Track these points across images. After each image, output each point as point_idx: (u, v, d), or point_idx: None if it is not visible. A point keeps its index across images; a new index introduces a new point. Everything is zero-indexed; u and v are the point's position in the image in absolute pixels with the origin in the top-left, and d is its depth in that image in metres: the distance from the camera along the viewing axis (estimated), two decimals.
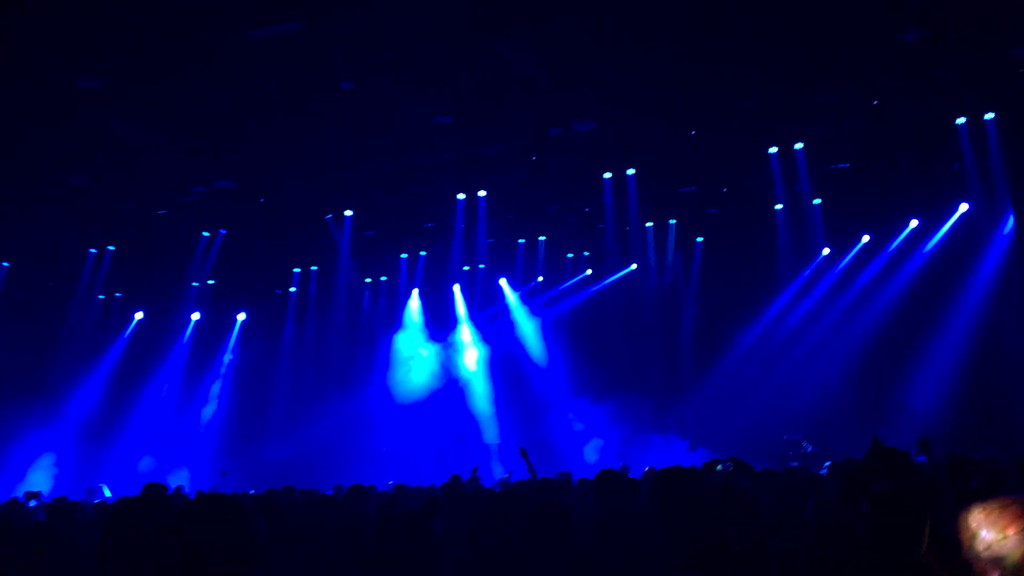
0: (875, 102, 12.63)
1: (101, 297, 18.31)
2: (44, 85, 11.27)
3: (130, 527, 3.44)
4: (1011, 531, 2.24)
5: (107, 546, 3.45)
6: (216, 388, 19.11)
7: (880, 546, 3.13)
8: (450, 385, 18.39)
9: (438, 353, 18.51)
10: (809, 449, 14.53)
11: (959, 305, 15.47)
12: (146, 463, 17.29)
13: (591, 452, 16.93)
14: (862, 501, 3.24)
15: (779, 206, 15.70)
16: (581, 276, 18.61)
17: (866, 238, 16.57)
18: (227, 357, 18.48)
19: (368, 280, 19.22)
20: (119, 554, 3.40)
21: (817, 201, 15.56)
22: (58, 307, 17.76)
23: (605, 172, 14.98)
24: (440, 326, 18.77)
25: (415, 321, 18.83)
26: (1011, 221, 14.90)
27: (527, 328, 18.46)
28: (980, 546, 2.31)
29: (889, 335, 16.01)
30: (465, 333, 18.61)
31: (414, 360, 18.43)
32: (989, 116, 13.12)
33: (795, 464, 12.62)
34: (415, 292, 18.84)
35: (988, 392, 14.64)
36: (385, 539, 3.35)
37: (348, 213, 16.34)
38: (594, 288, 18.43)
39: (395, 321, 18.92)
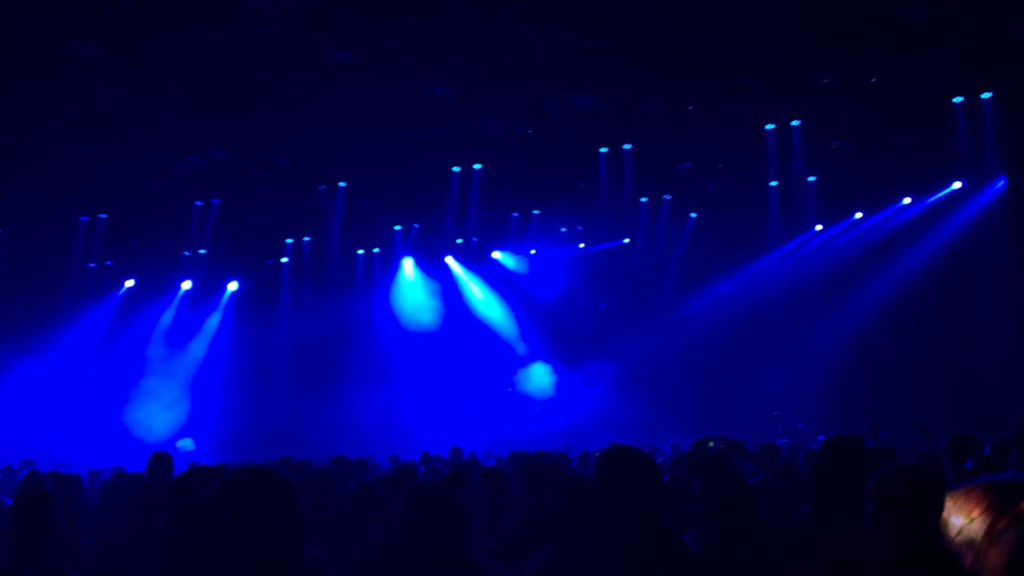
0: (873, 80, 12.67)
1: (92, 265, 18.15)
2: (36, 52, 11.15)
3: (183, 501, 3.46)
4: (975, 514, 2.30)
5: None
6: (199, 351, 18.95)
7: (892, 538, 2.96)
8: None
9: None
10: (800, 426, 14.70)
11: (944, 283, 15.68)
12: (185, 443, 17.17)
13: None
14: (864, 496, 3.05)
15: (774, 183, 15.73)
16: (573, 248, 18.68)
17: (859, 215, 16.67)
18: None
19: (361, 252, 19.16)
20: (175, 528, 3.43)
21: (812, 179, 15.62)
22: (50, 275, 17.65)
23: (601, 147, 14.95)
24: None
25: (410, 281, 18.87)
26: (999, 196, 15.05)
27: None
28: (952, 532, 2.38)
29: (879, 312, 16.17)
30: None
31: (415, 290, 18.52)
32: (986, 95, 13.15)
33: (784, 441, 12.75)
34: (409, 260, 18.82)
35: (958, 374, 14.85)
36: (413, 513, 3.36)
37: (342, 184, 16.26)
38: (582, 256, 18.55)
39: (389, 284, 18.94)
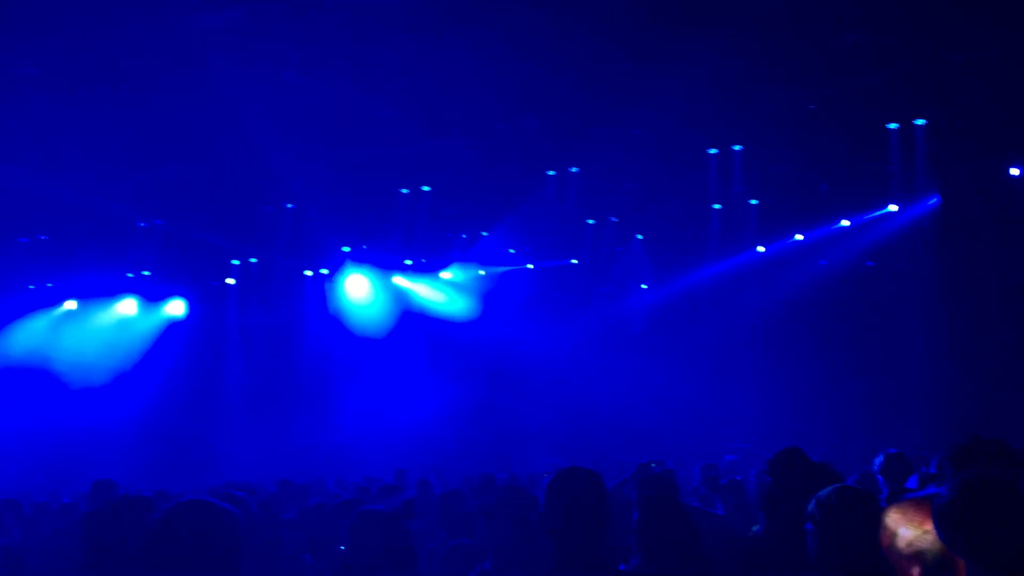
0: (812, 107, 13.02)
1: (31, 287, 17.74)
2: None
3: (110, 533, 3.40)
4: (928, 526, 2.32)
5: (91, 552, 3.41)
6: None
7: None
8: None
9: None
10: (745, 446, 14.92)
11: (875, 300, 16.12)
12: None
13: None
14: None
15: (717, 205, 16.02)
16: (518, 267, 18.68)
17: (799, 236, 17.02)
18: None
19: (308, 273, 19.00)
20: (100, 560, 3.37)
21: (754, 202, 15.95)
22: None
23: (549, 170, 15.12)
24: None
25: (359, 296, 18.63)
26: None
27: None
28: (901, 544, 2.40)
29: (814, 331, 16.52)
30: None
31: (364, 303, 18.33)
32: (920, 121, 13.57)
33: (731, 457, 12.95)
34: (358, 275, 18.61)
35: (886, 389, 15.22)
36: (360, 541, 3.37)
37: (289, 205, 16.16)
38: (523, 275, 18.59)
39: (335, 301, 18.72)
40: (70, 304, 18.38)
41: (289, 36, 10.81)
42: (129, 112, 12.32)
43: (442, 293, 18.65)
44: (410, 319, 18.60)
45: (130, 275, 17.79)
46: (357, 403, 18.08)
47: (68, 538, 5.31)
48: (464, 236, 17.74)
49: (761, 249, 17.03)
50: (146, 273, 17.80)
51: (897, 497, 4.07)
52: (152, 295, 18.56)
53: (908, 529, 2.41)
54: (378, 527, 3.34)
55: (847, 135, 13.61)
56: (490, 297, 18.30)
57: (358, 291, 18.35)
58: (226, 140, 13.18)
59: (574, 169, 14.96)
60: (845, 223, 16.47)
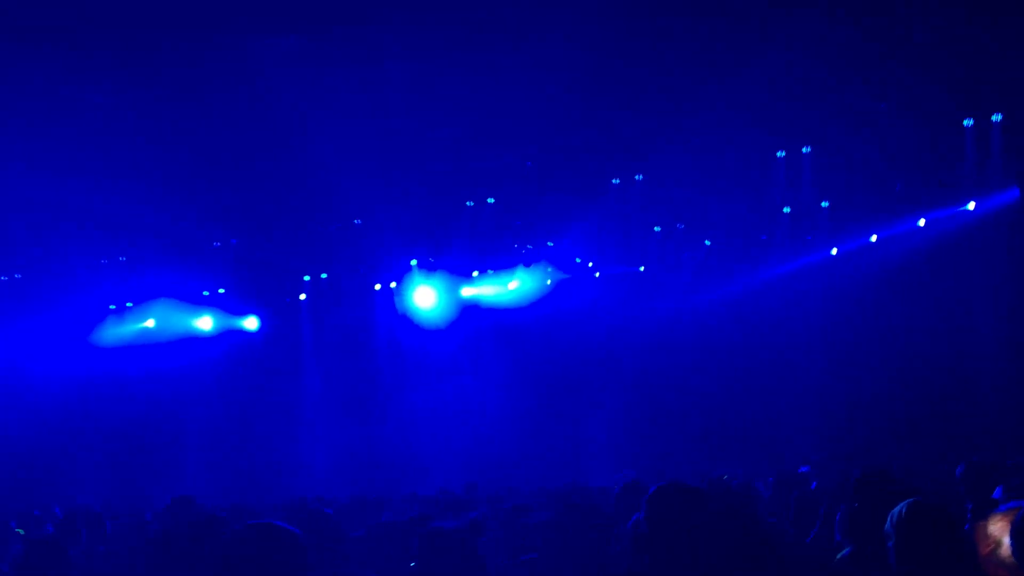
0: (883, 105, 12.74)
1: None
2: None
3: (182, 551, 3.50)
4: None
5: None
6: None
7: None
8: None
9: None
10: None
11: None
12: None
13: None
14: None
15: (787, 208, 15.74)
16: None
17: (873, 238, 16.55)
18: None
19: (377, 287, 19.15)
20: None
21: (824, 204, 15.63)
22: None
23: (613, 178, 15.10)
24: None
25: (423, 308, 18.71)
26: None
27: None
28: (1004, 553, 2.34)
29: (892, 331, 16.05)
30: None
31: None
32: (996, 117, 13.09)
33: (805, 469, 12.57)
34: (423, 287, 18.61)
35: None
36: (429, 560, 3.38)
37: (356, 221, 16.47)
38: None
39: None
40: (148, 323, 18.89)
41: (354, 57, 11.02)
42: (202, 136, 12.70)
43: (508, 301, 18.64)
44: (476, 327, 18.67)
45: (206, 293, 18.25)
46: (427, 411, 18.21)
47: (138, 554, 5.43)
48: (530, 247, 17.75)
49: (834, 251, 16.62)
50: (221, 291, 18.24)
51: (986, 509, 3.91)
52: (230, 309, 18.97)
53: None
54: (447, 545, 3.34)
55: (922, 131, 13.27)
56: (556, 304, 18.27)
57: (425, 301, 18.47)
58: (295, 160, 13.48)
59: (639, 177, 14.88)
60: (921, 222, 16.00)
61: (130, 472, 17.17)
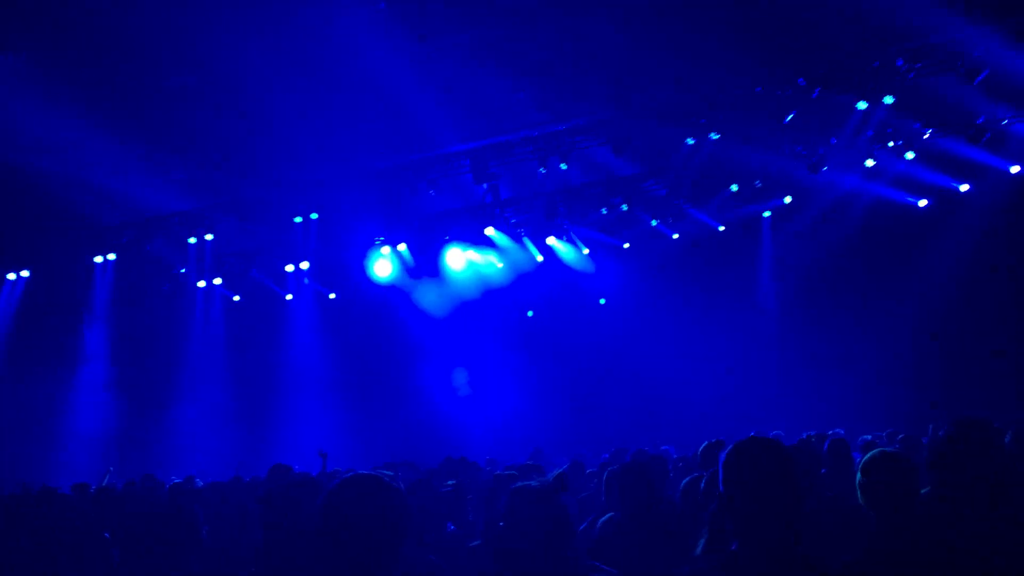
0: None
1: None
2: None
3: (285, 509, 3.67)
4: None
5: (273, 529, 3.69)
6: None
7: None
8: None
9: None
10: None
11: None
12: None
13: None
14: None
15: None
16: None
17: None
18: None
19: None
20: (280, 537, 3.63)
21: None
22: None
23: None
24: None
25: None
26: None
27: None
28: None
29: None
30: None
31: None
32: None
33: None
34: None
35: None
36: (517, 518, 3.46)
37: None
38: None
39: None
40: None
41: None
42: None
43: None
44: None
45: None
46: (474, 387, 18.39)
47: (247, 517, 5.68)
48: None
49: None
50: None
51: None
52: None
53: None
54: (535, 503, 3.41)
55: None
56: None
57: (457, 264, 17.98)
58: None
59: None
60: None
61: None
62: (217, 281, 18.37)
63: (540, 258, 18.08)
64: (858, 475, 3.90)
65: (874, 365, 15.19)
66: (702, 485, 4.89)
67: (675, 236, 17.59)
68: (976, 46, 11.69)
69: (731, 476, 2.92)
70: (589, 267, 18.42)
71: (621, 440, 12.63)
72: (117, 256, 17.63)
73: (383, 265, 17.73)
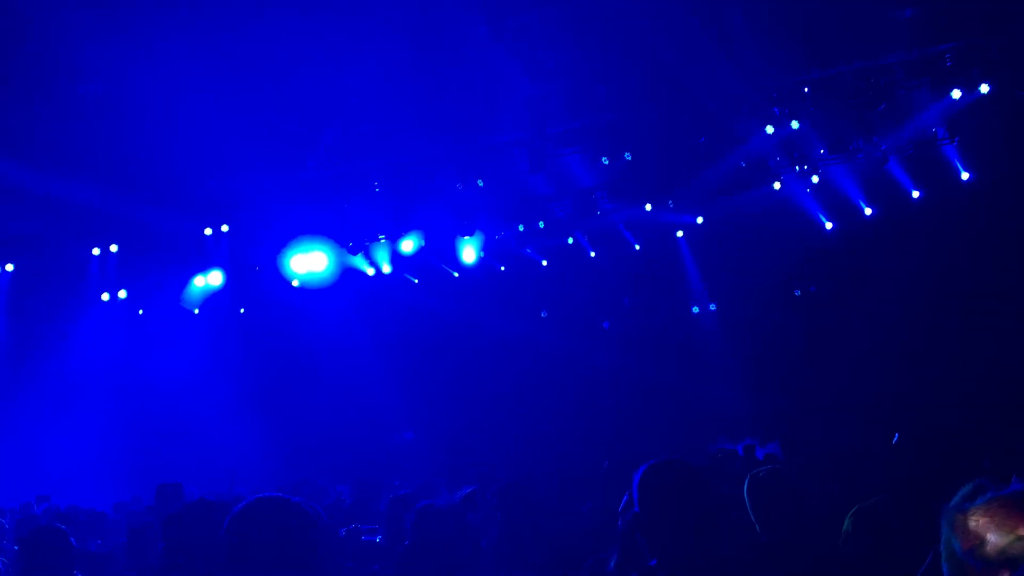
0: None
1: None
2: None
3: (189, 534, 3.59)
4: (1023, 531, 2.19)
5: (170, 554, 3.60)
6: None
7: None
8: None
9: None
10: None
11: None
12: None
13: None
14: None
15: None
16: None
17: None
18: None
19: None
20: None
21: None
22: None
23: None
24: None
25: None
26: None
27: None
28: (990, 550, 2.24)
29: None
30: None
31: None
32: None
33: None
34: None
35: None
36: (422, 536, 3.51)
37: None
38: None
39: None
40: None
41: None
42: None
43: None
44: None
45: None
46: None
47: (146, 541, 5.50)
48: None
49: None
50: None
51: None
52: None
53: (998, 535, 2.24)
54: (439, 522, 3.45)
55: None
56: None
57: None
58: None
59: None
60: None
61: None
62: (122, 294, 17.76)
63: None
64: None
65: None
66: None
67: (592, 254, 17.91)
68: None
69: (646, 497, 2.99)
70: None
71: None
72: (15, 266, 16.94)
73: (302, 261, 17.09)
